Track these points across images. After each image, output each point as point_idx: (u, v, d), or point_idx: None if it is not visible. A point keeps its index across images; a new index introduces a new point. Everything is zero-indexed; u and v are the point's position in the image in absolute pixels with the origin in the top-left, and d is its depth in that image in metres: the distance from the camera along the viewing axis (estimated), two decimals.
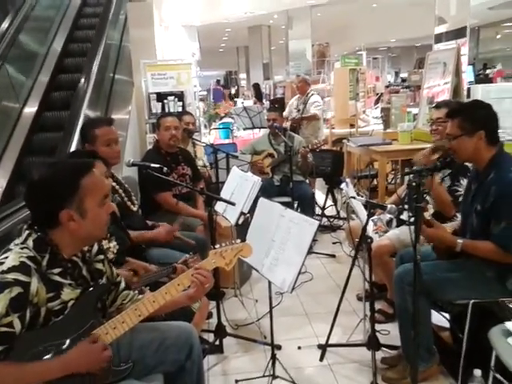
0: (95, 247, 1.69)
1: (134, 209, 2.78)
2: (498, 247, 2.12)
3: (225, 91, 15.03)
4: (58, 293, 1.46)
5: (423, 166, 2.24)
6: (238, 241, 1.79)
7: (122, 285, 1.78)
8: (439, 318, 2.70)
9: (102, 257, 1.70)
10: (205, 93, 11.71)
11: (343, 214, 5.07)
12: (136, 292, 1.81)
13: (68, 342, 1.45)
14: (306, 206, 4.50)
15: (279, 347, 2.80)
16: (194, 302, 1.80)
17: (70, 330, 1.46)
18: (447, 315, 2.67)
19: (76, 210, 1.47)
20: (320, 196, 5.48)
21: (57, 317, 1.45)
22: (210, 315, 3.13)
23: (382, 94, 9.23)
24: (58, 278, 1.47)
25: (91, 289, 1.57)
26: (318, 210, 5.07)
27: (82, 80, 4.47)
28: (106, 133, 2.62)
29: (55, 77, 5.17)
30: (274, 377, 2.43)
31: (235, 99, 12.92)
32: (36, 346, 1.40)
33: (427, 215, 2.16)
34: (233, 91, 18.08)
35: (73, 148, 3.62)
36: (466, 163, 2.64)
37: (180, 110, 4.91)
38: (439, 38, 6.30)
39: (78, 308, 1.50)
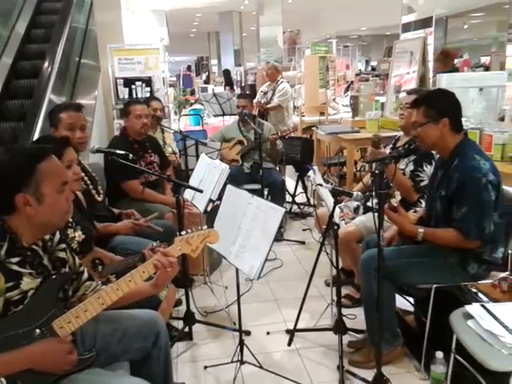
0: (57, 236, 1.65)
1: (99, 199, 2.72)
2: (458, 232, 2.17)
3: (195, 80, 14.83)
4: (17, 282, 1.42)
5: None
6: (205, 227, 1.78)
7: (85, 275, 1.75)
8: (404, 302, 2.77)
9: (64, 245, 1.67)
10: (175, 79, 11.56)
11: (314, 201, 5.11)
12: (99, 283, 1.78)
13: (28, 331, 1.42)
14: (277, 193, 4.51)
15: (248, 333, 2.82)
16: (159, 290, 1.77)
17: (30, 320, 1.43)
18: (411, 299, 2.75)
19: (32, 194, 1.44)
20: (290, 183, 5.51)
21: (16, 307, 1.42)
22: (179, 302, 3.13)
23: (352, 82, 9.30)
24: (16, 268, 1.44)
25: (53, 277, 1.54)
26: (288, 197, 5.09)
27: (46, 64, 4.33)
28: (70, 117, 2.59)
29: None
30: (241, 362, 2.45)
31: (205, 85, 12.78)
32: None
33: (394, 201, 2.19)
34: (203, 77, 17.88)
35: (36, 136, 3.52)
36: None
37: (148, 95, 4.83)
38: (407, 27, 6.37)
39: (39, 297, 1.46)
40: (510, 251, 2.28)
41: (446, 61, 5.31)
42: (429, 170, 2.70)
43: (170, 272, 1.66)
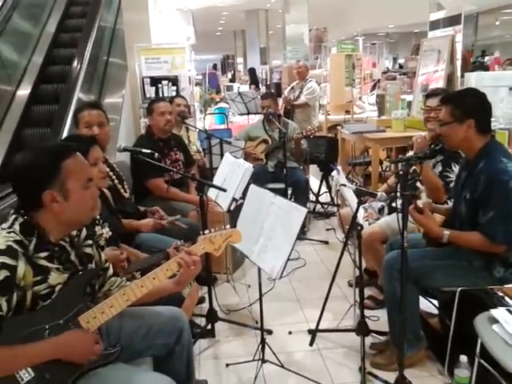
0: (84, 232, 1.70)
1: (126, 195, 2.78)
2: (484, 237, 2.13)
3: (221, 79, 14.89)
4: (45, 277, 1.46)
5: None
6: (228, 226, 1.80)
7: (110, 271, 1.79)
8: (428, 305, 2.73)
9: (90, 241, 1.71)
10: (201, 77, 11.63)
11: (337, 201, 5.07)
12: (124, 279, 1.82)
13: (55, 326, 1.46)
14: (300, 192, 4.51)
15: (270, 332, 2.83)
16: (182, 287, 1.81)
17: (57, 314, 1.47)
18: (436, 302, 2.71)
19: (59, 191, 1.48)
20: (314, 182, 5.49)
21: (44, 301, 1.46)
22: (202, 300, 3.16)
23: (378, 80, 9.19)
24: (44, 262, 1.48)
25: (80, 273, 1.58)
26: (312, 197, 5.08)
27: (74, 64, 4.41)
28: (86, 115, 2.65)
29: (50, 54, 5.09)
30: (263, 361, 2.46)
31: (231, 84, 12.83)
32: (24, 330, 1.41)
33: (420, 203, 2.17)
34: (229, 75, 17.95)
35: (67, 127, 3.61)
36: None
37: (174, 94, 4.88)
38: (435, 25, 6.23)
39: (66, 292, 1.50)
40: None
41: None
42: (457, 170, 2.65)
43: (193, 270, 1.69)
